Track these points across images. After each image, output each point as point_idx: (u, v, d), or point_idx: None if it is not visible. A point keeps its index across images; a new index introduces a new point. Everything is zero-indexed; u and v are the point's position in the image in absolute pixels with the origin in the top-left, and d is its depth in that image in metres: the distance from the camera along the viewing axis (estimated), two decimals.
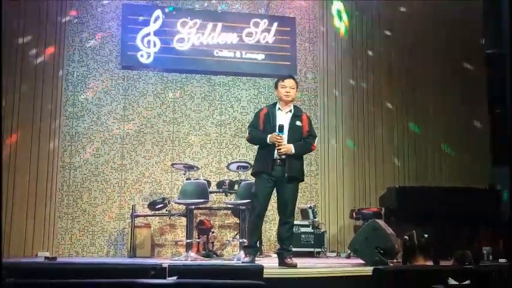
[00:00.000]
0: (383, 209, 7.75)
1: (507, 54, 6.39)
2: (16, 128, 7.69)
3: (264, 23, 8.72)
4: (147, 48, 8.29)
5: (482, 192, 7.82)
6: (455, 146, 8.88)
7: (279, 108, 5.31)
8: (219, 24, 8.58)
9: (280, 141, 5.04)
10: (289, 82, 5.33)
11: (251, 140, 5.52)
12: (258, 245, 5.42)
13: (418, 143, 8.97)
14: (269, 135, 5.09)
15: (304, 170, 8.14)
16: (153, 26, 8.35)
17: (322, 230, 7.80)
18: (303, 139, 5.28)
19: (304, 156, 8.35)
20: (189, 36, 8.48)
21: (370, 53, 9.09)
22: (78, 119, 7.99)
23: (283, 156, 5.09)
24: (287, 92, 5.26)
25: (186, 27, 8.48)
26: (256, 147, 5.50)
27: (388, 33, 9.15)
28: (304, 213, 8.04)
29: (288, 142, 5.10)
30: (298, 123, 5.25)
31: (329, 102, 8.88)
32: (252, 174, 5.59)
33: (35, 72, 7.89)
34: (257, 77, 8.60)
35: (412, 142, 8.96)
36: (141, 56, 8.27)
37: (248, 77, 8.57)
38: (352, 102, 8.94)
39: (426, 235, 4.23)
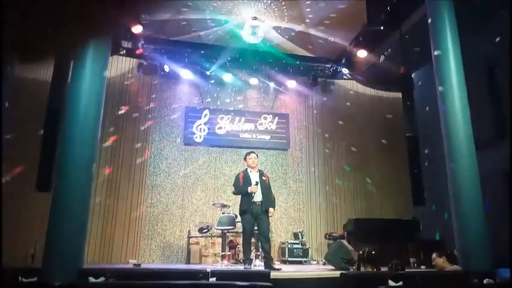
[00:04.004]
0: (345, 233, 7.58)
1: (418, 136, 6.43)
2: (120, 179, 7.75)
3: (269, 117, 8.87)
4: (199, 133, 8.44)
5: (408, 222, 7.63)
6: (391, 193, 8.76)
7: (250, 171, 5.46)
8: (243, 118, 8.74)
9: (256, 190, 5.28)
10: (253, 155, 5.59)
11: (237, 191, 5.52)
12: (252, 257, 5.65)
13: (368, 192, 8.83)
14: (250, 187, 5.32)
15: (297, 208, 7.83)
16: (203, 120, 8.52)
17: (307, 246, 7.60)
18: (268, 187, 5.50)
19: (296, 200, 8.20)
20: (225, 125, 8.62)
21: (329, 135, 9.15)
22: (156, 175, 8.04)
23: (257, 200, 5.28)
24: (253, 162, 5.51)
25: (223, 120, 8.64)
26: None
27: (341, 122, 9.22)
28: (296, 235, 7.86)
29: (261, 190, 5.34)
30: (263, 178, 5.49)
31: (309, 164, 8.88)
32: (239, 214, 5.52)
33: (131, 151, 8.03)
34: (265, 150, 8.66)
35: (363, 191, 8.85)
36: (196, 137, 8.40)
37: (260, 150, 8.54)
38: (325, 164, 8.93)
39: (374, 251, 4.13)
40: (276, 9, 7.10)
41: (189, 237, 7.32)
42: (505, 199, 5.61)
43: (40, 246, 4.55)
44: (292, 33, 7.84)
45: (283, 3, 6.94)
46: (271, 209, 5.34)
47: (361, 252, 4.25)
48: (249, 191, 5.28)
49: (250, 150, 5.95)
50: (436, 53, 5.39)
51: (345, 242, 5.96)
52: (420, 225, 7.58)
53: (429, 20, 5.58)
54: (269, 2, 6.91)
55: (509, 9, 5.49)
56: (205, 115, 8.54)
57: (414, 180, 6.03)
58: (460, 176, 5.06)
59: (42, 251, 4.21)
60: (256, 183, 5.34)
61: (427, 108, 7.70)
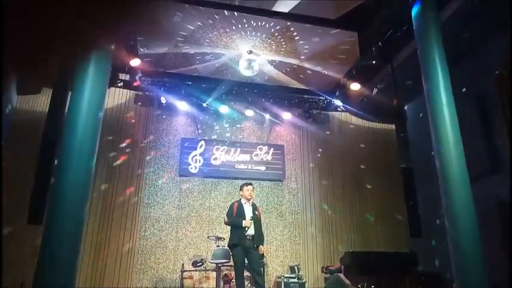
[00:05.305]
0: (343, 266, 7.42)
1: (412, 167, 6.47)
2: (113, 210, 7.64)
3: (265, 149, 8.90)
4: (194, 164, 8.42)
5: (405, 254, 7.51)
6: (387, 225, 8.70)
7: (244, 203, 5.37)
8: (238, 149, 8.76)
9: (251, 224, 5.15)
10: (250, 187, 5.48)
11: (230, 223, 5.32)
12: None
13: (364, 224, 8.76)
14: (244, 221, 5.16)
15: (293, 241, 7.71)
16: (199, 150, 8.53)
17: (303, 280, 7.40)
18: (260, 223, 5.37)
19: (292, 233, 8.05)
20: (220, 156, 8.62)
21: (324, 166, 9.17)
22: (150, 207, 7.94)
23: (250, 233, 5.13)
24: (249, 194, 5.41)
25: (219, 151, 8.65)
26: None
27: (335, 154, 9.25)
28: (292, 269, 7.69)
29: (253, 224, 5.20)
30: (256, 212, 5.35)
31: (305, 196, 8.83)
32: (229, 247, 5.35)
33: (126, 182, 7.98)
34: (261, 181, 8.62)
35: (360, 223, 8.77)
36: (191, 168, 8.37)
37: (255, 181, 8.49)
38: (321, 196, 8.89)
39: (373, 286, 4.06)
40: (272, 43, 7.31)
41: (182, 271, 7.13)
42: (498, 230, 5.58)
43: (29, 276, 4.39)
44: (288, 67, 8.03)
45: (280, 38, 7.15)
46: (261, 247, 5.23)
47: (360, 286, 4.18)
48: (243, 224, 5.17)
49: (248, 181, 5.83)
50: (427, 88, 5.51)
51: (342, 275, 5.84)
52: (417, 258, 7.47)
53: (419, 57, 5.73)
54: (266, 36, 7.12)
55: (509, 30, 5.64)
56: (201, 146, 8.56)
57: (410, 212, 6.00)
58: (456, 208, 5.03)
59: (32, 281, 4.07)
60: (252, 218, 5.24)
61: (421, 140, 7.77)
